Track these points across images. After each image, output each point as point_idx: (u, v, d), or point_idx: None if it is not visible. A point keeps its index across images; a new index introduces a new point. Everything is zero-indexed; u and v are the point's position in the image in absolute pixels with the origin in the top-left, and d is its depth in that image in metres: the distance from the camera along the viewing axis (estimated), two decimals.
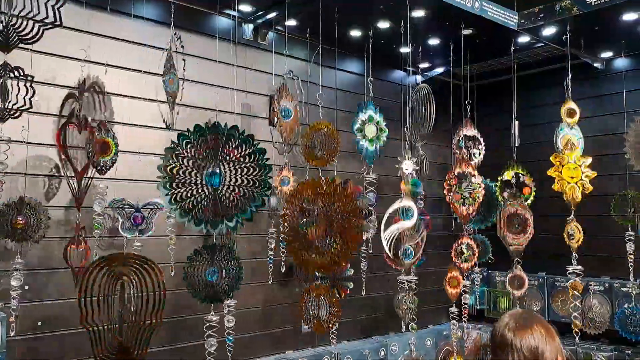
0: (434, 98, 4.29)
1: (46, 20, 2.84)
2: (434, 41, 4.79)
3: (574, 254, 3.91)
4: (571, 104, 4.00)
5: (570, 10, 4.16)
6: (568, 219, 3.92)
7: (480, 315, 5.75)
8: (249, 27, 4.40)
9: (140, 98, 3.74)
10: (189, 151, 2.84)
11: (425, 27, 4.44)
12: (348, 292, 4.17)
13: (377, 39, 4.50)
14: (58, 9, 2.84)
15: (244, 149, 2.92)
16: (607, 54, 5.20)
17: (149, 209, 3.59)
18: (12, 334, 3.05)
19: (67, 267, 3.20)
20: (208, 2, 3.99)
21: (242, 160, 2.92)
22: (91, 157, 3.23)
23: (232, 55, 4.13)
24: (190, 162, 2.84)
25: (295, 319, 4.59)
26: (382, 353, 4.93)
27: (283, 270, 4.20)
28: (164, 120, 3.45)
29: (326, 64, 4.66)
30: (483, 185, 4.09)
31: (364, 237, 4.19)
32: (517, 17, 4.40)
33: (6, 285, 3.05)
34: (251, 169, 2.94)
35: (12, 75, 2.88)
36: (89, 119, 3.25)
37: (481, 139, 4.46)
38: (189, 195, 2.85)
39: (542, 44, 4.81)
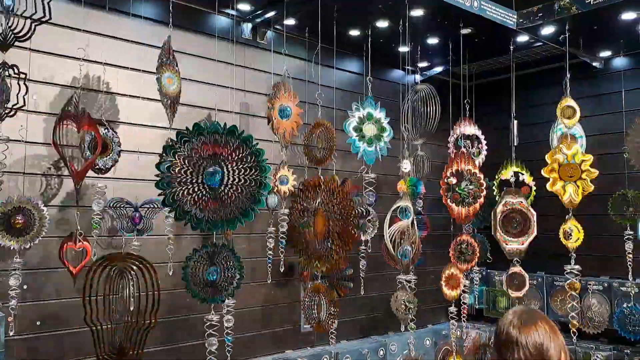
0: (438, 99, 4.30)
1: (35, 17, 2.82)
2: (432, 40, 4.79)
3: (571, 253, 3.92)
4: (570, 101, 3.99)
5: (569, 9, 4.16)
6: (566, 217, 3.92)
7: (479, 315, 5.75)
8: (247, 26, 4.39)
9: (138, 97, 3.74)
10: (187, 150, 2.83)
11: (424, 26, 4.44)
12: (348, 291, 4.17)
13: (376, 38, 4.49)
14: (48, 3, 2.82)
15: (243, 150, 2.92)
16: (605, 53, 5.20)
17: (148, 208, 3.58)
18: (11, 333, 3.04)
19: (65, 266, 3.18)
20: (207, 1, 3.98)
21: (241, 161, 2.92)
22: (93, 156, 3.17)
23: (231, 54, 4.12)
24: (188, 161, 2.83)
25: (295, 319, 4.60)
26: (381, 353, 4.92)
27: (282, 270, 4.19)
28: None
29: (325, 63, 4.66)
30: (485, 185, 4.05)
31: (364, 237, 4.18)
32: (516, 17, 4.40)
33: (5, 285, 3.04)
34: (249, 170, 2.94)
35: (7, 74, 2.86)
36: (86, 112, 3.19)
37: (482, 137, 4.42)
38: (186, 194, 2.84)
39: (541, 43, 4.81)
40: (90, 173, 3.27)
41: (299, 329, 4.64)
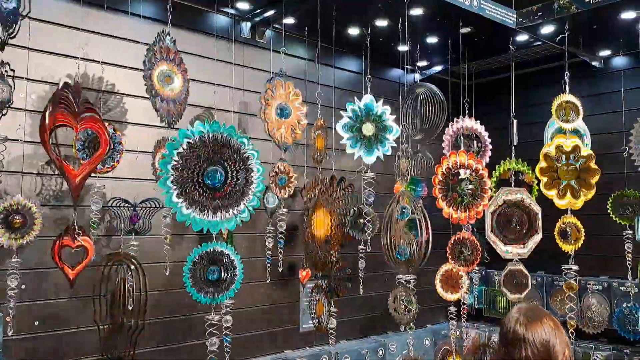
0: (440, 99, 4.29)
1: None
2: (432, 39, 4.78)
3: (569, 253, 3.90)
4: (569, 97, 3.95)
5: (568, 8, 4.15)
6: (564, 215, 3.90)
7: (478, 315, 5.74)
8: (246, 25, 4.38)
9: (137, 96, 3.72)
10: (188, 149, 2.83)
11: (424, 26, 4.43)
12: (345, 291, 4.16)
13: (376, 37, 4.48)
14: None
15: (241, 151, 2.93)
16: (605, 53, 5.20)
17: (146, 208, 3.57)
18: (10, 333, 3.03)
19: (63, 266, 3.15)
20: (206, 0, 3.98)
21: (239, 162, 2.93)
22: (94, 157, 3.11)
23: (230, 53, 4.11)
24: (189, 161, 2.83)
25: (294, 319, 4.59)
26: (381, 353, 4.91)
27: (280, 270, 4.19)
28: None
29: (324, 62, 4.65)
30: (490, 182, 3.86)
31: (363, 237, 4.17)
32: (515, 16, 4.39)
33: (3, 285, 3.02)
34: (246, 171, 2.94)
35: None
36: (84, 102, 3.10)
37: (485, 135, 4.31)
38: (187, 193, 2.83)
39: (540, 43, 4.80)
40: None
41: (298, 329, 4.63)
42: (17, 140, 3.23)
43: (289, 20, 4.35)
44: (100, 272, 3.33)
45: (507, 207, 4.07)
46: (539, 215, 3.96)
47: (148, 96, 3.20)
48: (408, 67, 4.81)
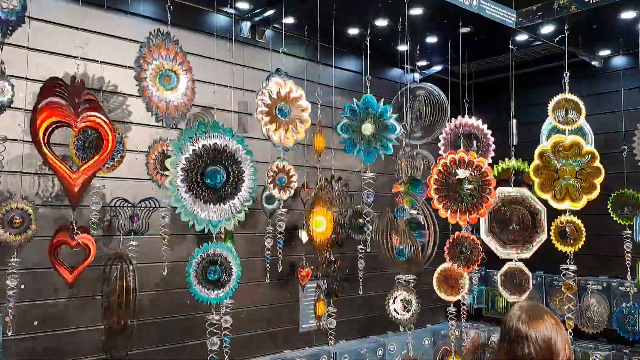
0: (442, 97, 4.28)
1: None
2: (432, 39, 4.78)
3: (567, 252, 3.90)
4: (569, 95, 3.94)
5: (568, 8, 4.15)
6: (562, 215, 3.89)
7: (478, 315, 5.73)
8: (246, 25, 4.38)
9: (138, 96, 3.71)
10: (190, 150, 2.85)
11: (424, 25, 4.43)
12: (343, 291, 4.16)
13: (375, 36, 4.48)
14: None
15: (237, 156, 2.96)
16: (605, 52, 5.20)
17: (143, 208, 3.57)
18: (9, 333, 3.03)
19: (62, 266, 3.13)
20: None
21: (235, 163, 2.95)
22: (97, 159, 2.97)
23: (230, 53, 4.11)
24: (190, 161, 2.84)
25: (293, 318, 4.59)
26: (380, 353, 4.91)
27: (280, 270, 4.19)
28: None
29: (324, 61, 4.64)
30: (493, 181, 3.72)
31: (363, 237, 4.16)
32: (515, 16, 4.39)
33: (2, 285, 3.02)
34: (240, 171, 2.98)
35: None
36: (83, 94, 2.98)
37: (488, 132, 4.27)
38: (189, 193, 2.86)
39: (540, 42, 4.80)
40: None
41: (298, 329, 4.63)
42: (17, 140, 3.22)
43: (289, 20, 4.35)
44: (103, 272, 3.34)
45: (507, 207, 4.06)
46: (544, 214, 3.94)
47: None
48: (408, 66, 4.81)
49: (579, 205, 3.77)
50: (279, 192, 3.55)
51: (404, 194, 3.85)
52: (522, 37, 4.71)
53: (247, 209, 3.00)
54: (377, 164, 3.76)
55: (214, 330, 3.00)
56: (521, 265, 4.05)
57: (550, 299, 5.20)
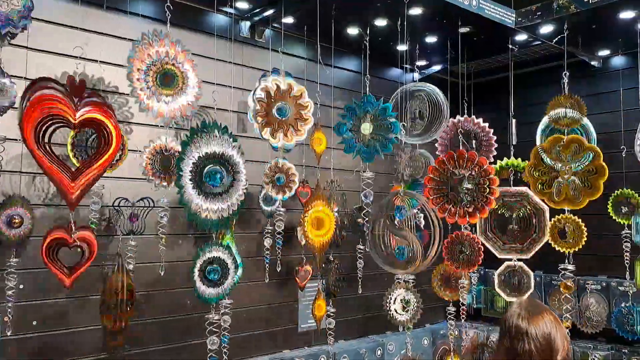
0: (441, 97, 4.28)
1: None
2: (431, 39, 4.78)
3: (567, 252, 3.90)
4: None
5: (567, 8, 4.15)
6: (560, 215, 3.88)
7: (477, 315, 5.74)
8: (245, 25, 4.38)
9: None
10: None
11: (423, 25, 4.43)
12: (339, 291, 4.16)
13: (375, 36, 4.48)
14: None
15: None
16: (604, 52, 5.20)
17: (140, 207, 3.57)
18: (9, 333, 3.03)
19: (59, 267, 3.09)
20: None
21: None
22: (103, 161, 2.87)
23: (229, 52, 4.11)
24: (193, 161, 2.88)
25: (293, 318, 4.59)
26: (379, 352, 4.91)
27: (279, 270, 4.19)
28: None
29: (323, 61, 4.64)
30: (496, 181, 3.63)
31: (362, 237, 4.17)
32: (514, 15, 4.40)
33: (1, 285, 3.02)
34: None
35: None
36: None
37: (490, 131, 4.24)
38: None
39: (539, 42, 4.80)
40: None
41: (297, 329, 4.63)
42: (16, 139, 3.22)
43: (288, 20, 4.35)
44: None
45: (505, 206, 4.05)
46: (547, 214, 3.93)
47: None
48: (407, 66, 4.81)
49: (581, 205, 3.77)
50: (277, 193, 3.55)
51: (404, 194, 3.85)
52: (521, 37, 4.71)
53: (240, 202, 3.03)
54: (378, 164, 3.76)
55: (214, 329, 3.00)
56: (521, 264, 4.04)
57: (549, 299, 5.20)
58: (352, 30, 4.54)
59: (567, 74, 4.07)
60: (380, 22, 4.32)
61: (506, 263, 4.05)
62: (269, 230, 4.09)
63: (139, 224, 3.55)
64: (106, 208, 3.56)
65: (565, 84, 4.03)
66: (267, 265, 4.17)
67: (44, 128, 2.71)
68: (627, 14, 4.20)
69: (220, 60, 4.02)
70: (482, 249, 3.82)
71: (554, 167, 3.79)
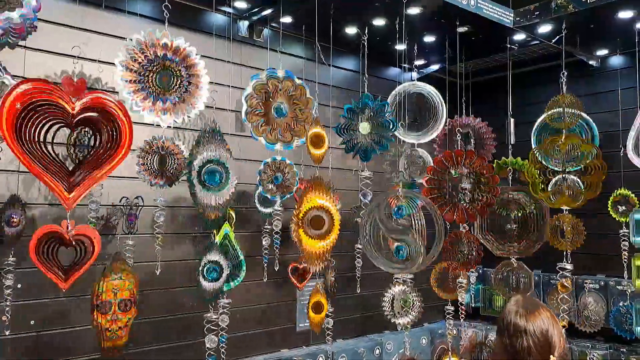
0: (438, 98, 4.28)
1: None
2: (429, 38, 4.78)
3: (566, 251, 3.91)
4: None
5: (565, 8, 4.16)
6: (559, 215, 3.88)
7: (475, 314, 5.74)
8: (244, 24, 4.38)
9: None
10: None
11: (421, 24, 4.43)
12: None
13: (373, 35, 4.48)
14: None
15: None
16: (602, 52, 5.21)
17: (131, 206, 3.57)
18: (7, 332, 3.03)
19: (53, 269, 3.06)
20: None
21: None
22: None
23: (228, 52, 4.11)
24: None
25: (291, 317, 4.59)
26: (377, 352, 4.92)
27: (277, 269, 4.19)
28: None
29: (321, 61, 4.64)
30: (497, 179, 3.62)
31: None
32: (512, 15, 4.40)
33: None
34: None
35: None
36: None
37: (489, 130, 4.20)
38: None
39: (537, 42, 4.81)
40: None
41: (295, 328, 4.63)
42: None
43: (287, 19, 4.35)
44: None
45: (503, 205, 4.05)
46: (547, 215, 3.94)
47: None
48: (405, 65, 4.81)
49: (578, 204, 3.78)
50: (274, 193, 3.56)
51: (404, 193, 3.85)
52: (519, 37, 4.72)
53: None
54: (378, 163, 3.76)
55: (212, 327, 3.01)
56: (520, 264, 4.05)
57: (547, 298, 5.20)
58: (351, 30, 4.54)
59: (566, 73, 4.08)
60: (379, 22, 4.32)
61: (504, 262, 4.05)
62: (267, 229, 4.09)
63: (136, 224, 3.55)
64: (104, 207, 3.55)
65: (564, 83, 4.04)
66: (265, 264, 4.17)
67: (33, 124, 2.60)
68: (625, 14, 4.21)
69: (219, 59, 4.01)
70: (481, 248, 3.82)
71: (553, 167, 3.81)
